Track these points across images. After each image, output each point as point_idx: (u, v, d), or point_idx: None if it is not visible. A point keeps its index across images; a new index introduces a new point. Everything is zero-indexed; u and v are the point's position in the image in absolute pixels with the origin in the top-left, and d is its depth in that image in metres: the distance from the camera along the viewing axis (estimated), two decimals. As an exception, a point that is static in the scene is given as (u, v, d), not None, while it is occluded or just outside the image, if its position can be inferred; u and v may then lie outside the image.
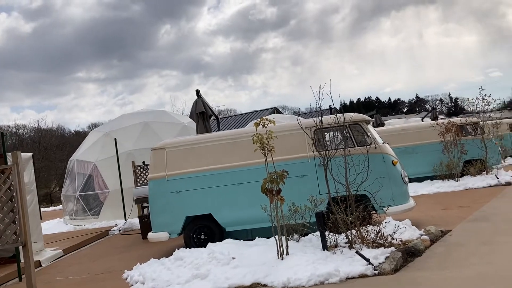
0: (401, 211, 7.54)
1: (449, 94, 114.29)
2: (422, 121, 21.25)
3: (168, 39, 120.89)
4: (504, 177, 12.72)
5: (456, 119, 14.94)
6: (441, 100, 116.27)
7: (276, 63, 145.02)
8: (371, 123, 8.54)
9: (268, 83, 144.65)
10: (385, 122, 23.65)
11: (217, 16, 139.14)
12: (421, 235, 6.63)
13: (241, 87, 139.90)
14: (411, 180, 14.60)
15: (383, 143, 7.99)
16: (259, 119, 6.63)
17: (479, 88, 14.91)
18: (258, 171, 7.13)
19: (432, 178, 14.37)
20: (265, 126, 6.49)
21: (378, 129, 15.98)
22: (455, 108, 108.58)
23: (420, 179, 14.41)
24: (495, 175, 12.98)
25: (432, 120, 19.29)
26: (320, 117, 6.89)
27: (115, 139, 14.24)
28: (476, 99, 15.18)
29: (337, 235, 6.45)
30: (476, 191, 12.04)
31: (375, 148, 7.61)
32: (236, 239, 7.65)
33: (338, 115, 7.14)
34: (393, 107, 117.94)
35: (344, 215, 6.37)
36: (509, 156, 21.01)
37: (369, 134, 7.88)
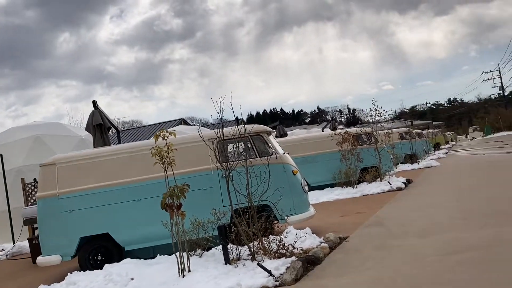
0: (302, 219, 7.69)
1: (347, 105, 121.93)
2: (323, 131, 22.21)
3: (67, 48, 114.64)
4: (396, 183, 13.66)
5: (352, 129, 15.81)
6: (340, 111, 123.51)
7: (183, 74, 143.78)
8: (273, 134, 8.66)
9: (176, 94, 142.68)
10: (288, 132, 24.40)
11: (120, 25, 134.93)
12: (321, 242, 6.79)
13: (148, 98, 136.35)
14: (312, 188, 15.16)
15: (284, 153, 8.12)
16: (158, 131, 6.39)
17: (372, 100, 15.94)
18: (159, 185, 6.80)
19: (332, 185, 15.01)
20: (165, 138, 6.26)
21: (281, 140, 16.35)
22: (353, 118, 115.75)
23: (321, 187, 14.98)
24: (388, 181, 13.89)
25: (332, 130, 20.25)
26: (221, 129, 6.82)
27: (1, 155, 12.98)
28: (370, 110, 16.18)
29: (240, 248, 6.37)
30: (371, 197, 12.76)
31: (276, 158, 7.70)
32: (137, 258, 7.28)
33: (240, 126, 7.15)
34: (297, 118, 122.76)
35: (246, 227, 6.33)
36: (400, 163, 22.69)
37: (270, 144, 7.97)
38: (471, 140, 64.44)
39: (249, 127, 7.53)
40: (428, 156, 28.85)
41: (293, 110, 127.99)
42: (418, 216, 8.66)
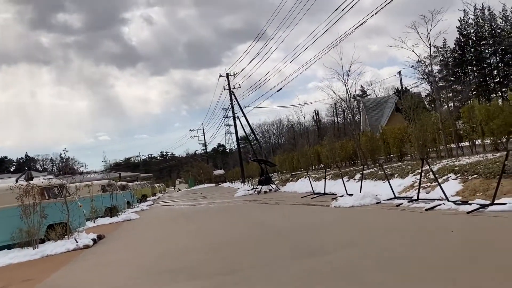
0: None
1: (60, 154, 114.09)
2: (17, 181, 19.39)
3: None
4: (84, 240, 12.63)
5: (38, 181, 14.13)
6: (52, 160, 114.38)
7: None
8: None
9: None
10: None
11: None
12: None
13: None
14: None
15: None
16: None
17: (63, 150, 14.73)
18: None
19: (10, 247, 12.81)
20: None
21: None
22: (66, 167, 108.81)
23: (-4, 249, 12.61)
24: (74, 238, 12.74)
25: (27, 180, 17.83)
26: None
27: None
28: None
29: None
30: (53, 258, 11.35)
31: None
32: None
33: None
34: (0, 165, 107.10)
35: None
36: (100, 217, 21.73)
37: None
38: (177, 191, 69.01)
39: None
40: (132, 208, 28.89)
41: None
42: (93, 277, 7.91)
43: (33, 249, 12.19)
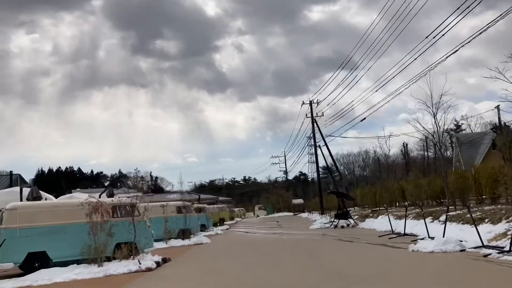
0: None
1: (151, 172, 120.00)
2: (100, 196, 20.23)
3: None
4: (146, 263, 12.49)
5: (108, 199, 14.44)
6: (142, 178, 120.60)
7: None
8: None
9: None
10: (69, 195, 21.91)
11: None
12: None
13: None
14: (56, 264, 13.04)
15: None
16: None
17: (135, 169, 14.94)
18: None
19: (79, 262, 13.08)
20: None
21: (27, 204, 14.09)
22: (154, 186, 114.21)
23: (65, 263, 12.94)
24: (138, 260, 12.67)
25: (108, 197, 18.48)
26: None
27: None
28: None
29: None
30: (113, 278, 11.33)
31: None
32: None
33: None
34: (96, 180, 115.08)
35: None
36: (173, 238, 21.84)
37: None
38: (256, 217, 68.97)
39: None
40: (207, 231, 28.94)
41: (92, 171, 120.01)
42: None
43: (98, 266, 12.30)
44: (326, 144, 42.34)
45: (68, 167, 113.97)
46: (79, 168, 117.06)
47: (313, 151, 54.24)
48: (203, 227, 28.77)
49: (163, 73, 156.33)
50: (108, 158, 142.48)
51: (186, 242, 21.02)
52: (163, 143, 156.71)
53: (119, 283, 10.22)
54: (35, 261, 12.78)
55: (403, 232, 16.76)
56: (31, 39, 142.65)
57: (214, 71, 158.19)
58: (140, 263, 12.38)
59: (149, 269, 12.21)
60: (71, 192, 33.63)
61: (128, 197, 15.30)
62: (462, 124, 62.69)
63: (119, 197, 15.16)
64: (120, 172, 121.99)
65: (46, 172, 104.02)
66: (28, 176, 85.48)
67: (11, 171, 36.77)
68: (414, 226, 17.54)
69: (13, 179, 34.65)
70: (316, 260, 12.52)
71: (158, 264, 12.96)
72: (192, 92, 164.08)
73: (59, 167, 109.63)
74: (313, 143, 50.73)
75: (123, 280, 10.74)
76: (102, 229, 12.66)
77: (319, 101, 50.23)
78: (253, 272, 10.73)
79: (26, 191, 16.51)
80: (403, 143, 62.79)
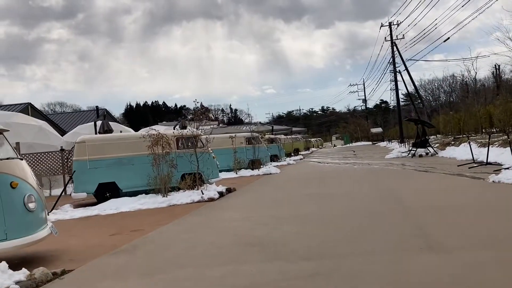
0: (19, 246, 5.98)
1: (230, 105, 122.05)
2: (174, 128, 20.65)
3: None
4: (209, 193, 12.56)
5: (169, 131, 14.50)
6: (222, 110, 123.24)
7: (61, 56, 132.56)
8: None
9: (51, 76, 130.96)
10: (146, 129, 22.60)
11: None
12: (17, 282, 5.18)
13: (18, 78, 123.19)
14: (124, 194, 13.57)
15: (7, 158, 6.31)
16: None
17: (194, 101, 14.77)
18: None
19: (147, 192, 13.52)
20: None
21: (94, 137, 14.56)
22: (234, 118, 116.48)
23: (135, 193, 13.44)
24: (201, 190, 12.77)
25: (181, 129, 18.75)
26: None
27: None
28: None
29: None
30: (176, 208, 11.50)
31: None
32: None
33: None
34: (179, 113, 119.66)
35: None
36: (243, 169, 22.03)
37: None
38: (333, 147, 68.15)
39: None
40: (280, 161, 28.94)
41: (175, 105, 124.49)
42: (188, 238, 7.45)
43: (162, 196, 12.59)
44: (406, 69, 39.65)
45: (154, 101, 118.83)
46: (163, 102, 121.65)
47: (393, 77, 51.17)
48: (276, 158, 28.79)
49: (238, 3, 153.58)
50: (191, 91, 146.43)
51: (255, 172, 21.11)
52: (241, 75, 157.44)
53: (179, 213, 10.31)
54: (106, 191, 13.38)
55: (485, 161, 15.33)
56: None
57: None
58: (203, 193, 12.47)
59: (211, 199, 12.27)
60: (157, 125, 35.03)
61: (203, 129, 15.26)
62: None
63: (189, 130, 15.04)
64: (201, 105, 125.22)
65: (134, 107, 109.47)
66: (119, 111, 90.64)
67: (97, 106, 38.74)
68: (500, 154, 15.94)
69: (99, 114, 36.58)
70: (380, 188, 11.82)
71: (221, 194, 13.01)
72: (267, 21, 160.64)
73: (146, 102, 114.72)
74: (393, 69, 47.73)
75: (183, 210, 10.84)
76: (164, 161, 12.81)
77: (399, 22, 46.58)
78: (309, 203, 10.29)
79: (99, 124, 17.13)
80: (495, 65, 57.13)
